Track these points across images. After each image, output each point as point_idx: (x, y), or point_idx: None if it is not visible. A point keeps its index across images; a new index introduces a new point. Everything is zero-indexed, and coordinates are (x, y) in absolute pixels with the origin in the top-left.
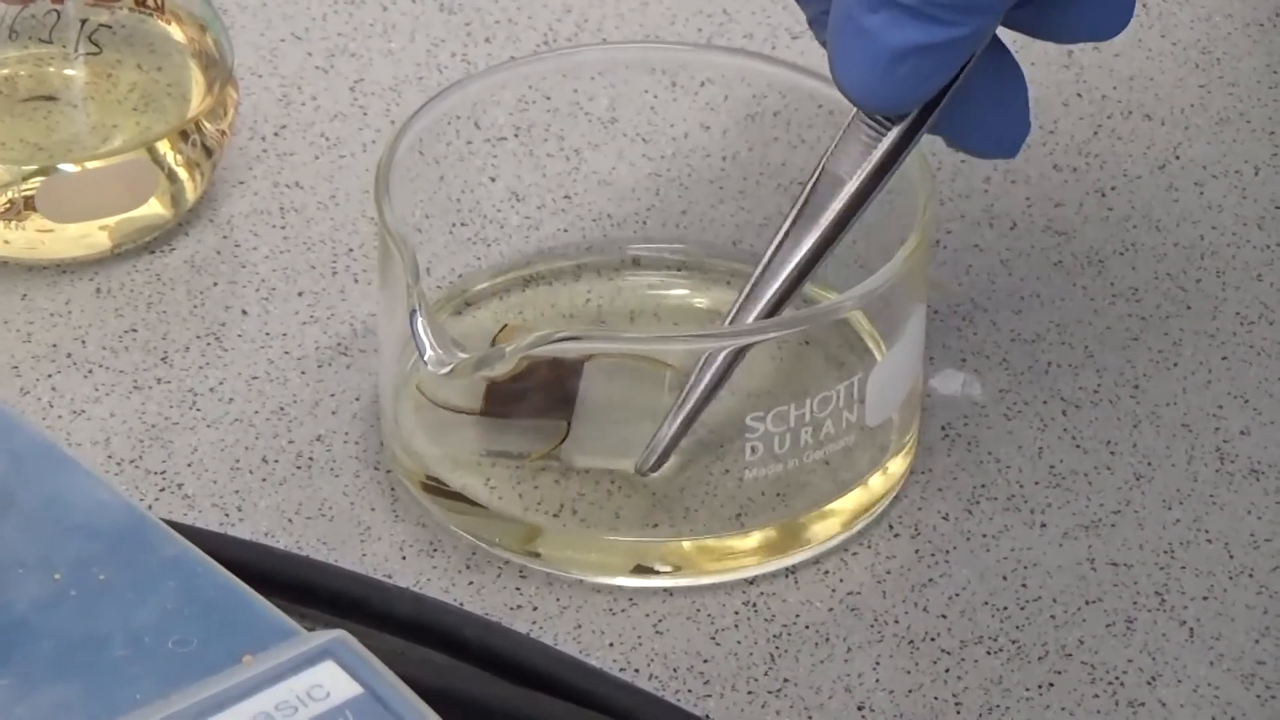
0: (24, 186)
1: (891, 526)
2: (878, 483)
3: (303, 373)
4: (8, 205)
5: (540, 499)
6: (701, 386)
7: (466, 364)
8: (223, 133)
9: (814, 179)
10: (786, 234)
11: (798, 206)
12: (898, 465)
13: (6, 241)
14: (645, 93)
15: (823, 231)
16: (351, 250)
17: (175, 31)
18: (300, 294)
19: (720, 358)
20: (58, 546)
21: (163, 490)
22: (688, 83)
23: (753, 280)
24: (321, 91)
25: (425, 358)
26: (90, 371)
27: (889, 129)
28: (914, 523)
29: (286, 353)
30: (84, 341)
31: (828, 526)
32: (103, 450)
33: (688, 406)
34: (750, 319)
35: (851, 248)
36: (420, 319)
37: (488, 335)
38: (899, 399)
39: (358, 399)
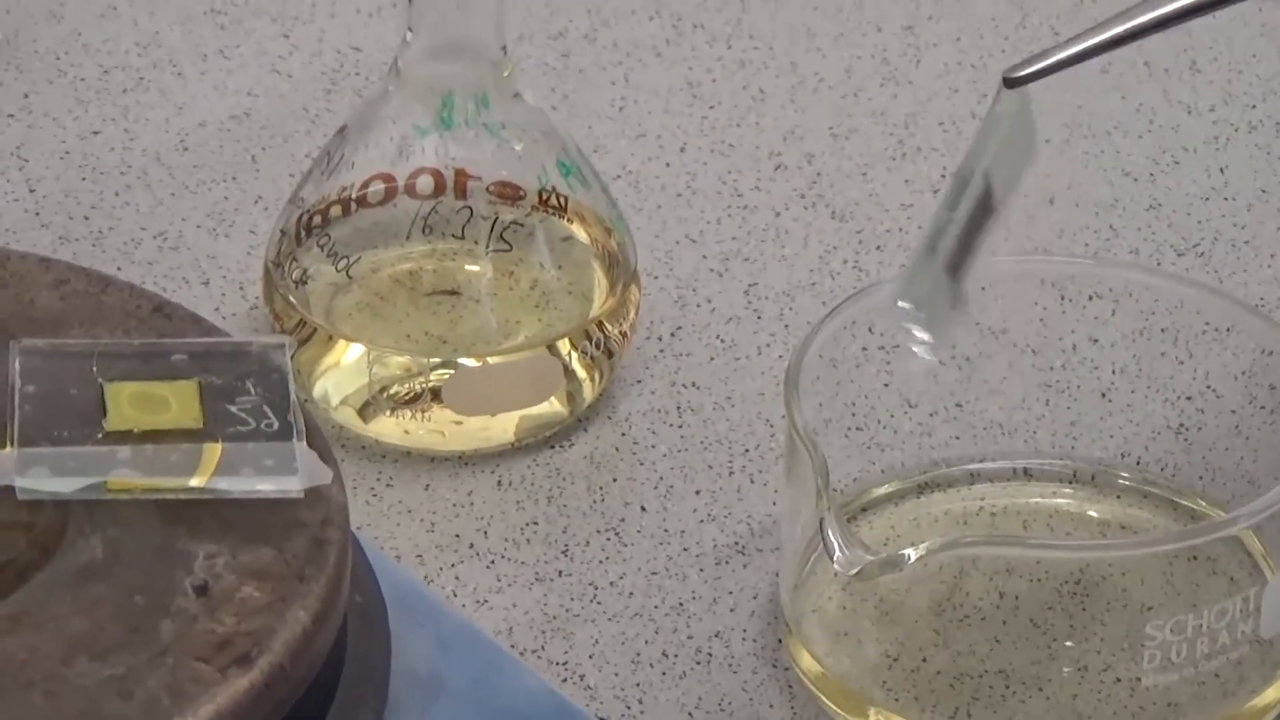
0: (430, 379)
1: None
2: (1267, 695)
3: (701, 570)
4: (412, 395)
5: (936, 701)
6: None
7: (873, 566)
8: (624, 334)
9: None
10: None
11: None
12: None
13: (407, 432)
14: (1035, 305)
15: None
16: (748, 451)
17: (579, 231)
18: (698, 492)
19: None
20: None
21: (565, 680)
22: (1076, 296)
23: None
24: (716, 294)
25: (835, 559)
26: (493, 562)
27: None
28: None
29: (685, 549)
30: (486, 533)
31: None
32: (506, 640)
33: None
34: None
35: (1239, 464)
36: (830, 520)
37: (882, 539)
38: None
39: (755, 597)
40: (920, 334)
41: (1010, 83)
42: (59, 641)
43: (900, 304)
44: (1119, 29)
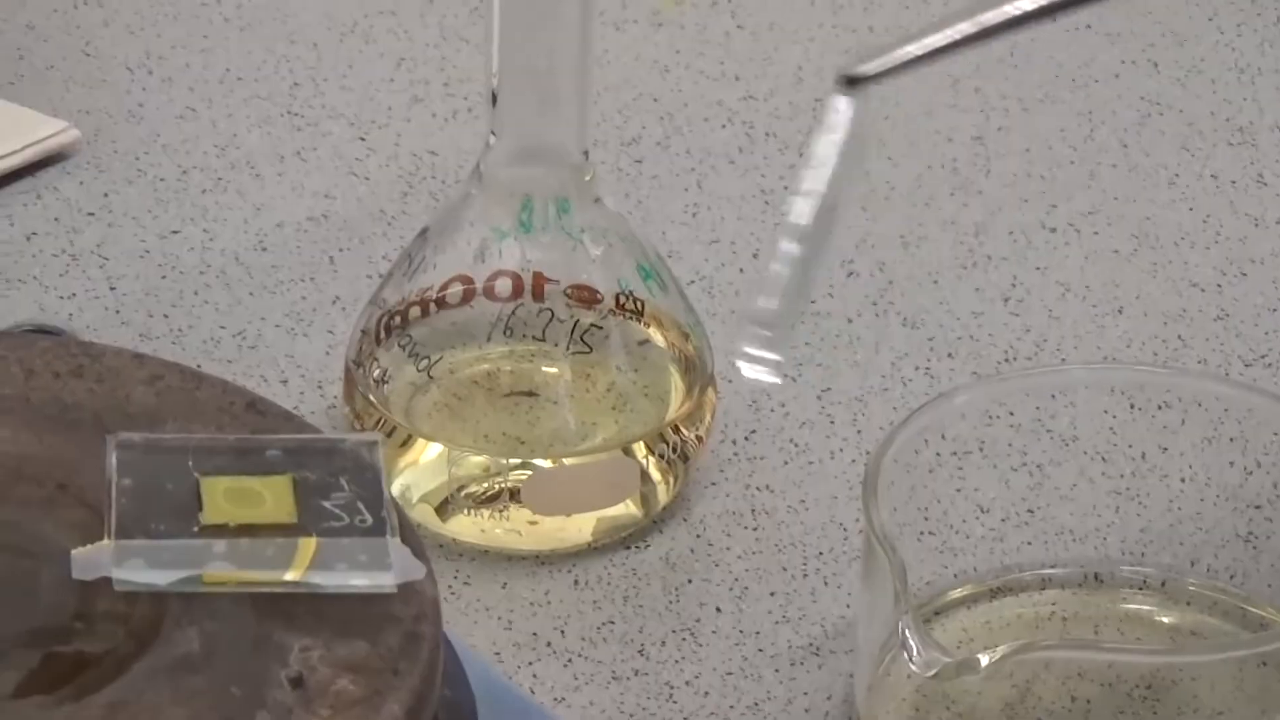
0: (508, 479)
1: None
2: None
3: (776, 670)
4: (490, 495)
5: None
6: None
7: (950, 668)
8: (699, 438)
9: None
10: None
11: None
12: None
13: (484, 531)
14: (1105, 413)
15: None
16: (821, 554)
17: (657, 335)
18: (772, 594)
19: None
20: None
21: None
22: (1145, 404)
23: None
24: (790, 399)
25: (912, 660)
26: (570, 661)
27: None
28: None
29: (760, 650)
30: (563, 631)
31: None
32: None
33: None
34: None
35: None
36: (908, 622)
37: (956, 643)
38: None
39: (829, 698)
40: (767, 353)
41: (851, 81)
42: None
43: (750, 328)
44: (967, 28)
